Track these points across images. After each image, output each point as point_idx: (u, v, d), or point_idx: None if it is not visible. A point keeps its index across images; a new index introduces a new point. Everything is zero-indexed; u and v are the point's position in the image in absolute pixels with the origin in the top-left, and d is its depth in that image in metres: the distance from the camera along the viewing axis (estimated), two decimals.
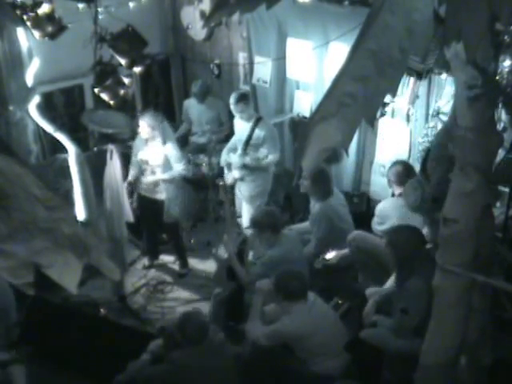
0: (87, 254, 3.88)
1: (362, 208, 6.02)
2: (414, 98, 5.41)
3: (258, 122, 5.97)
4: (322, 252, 5.13)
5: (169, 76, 7.88)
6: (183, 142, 6.86)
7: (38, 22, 4.86)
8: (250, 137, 5.96)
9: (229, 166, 6.15)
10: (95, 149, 5.70)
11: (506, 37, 2.91)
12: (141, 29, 5.02)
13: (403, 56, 2.26)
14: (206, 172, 6.45)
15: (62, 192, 5.78)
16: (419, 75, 4.82)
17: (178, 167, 5.68)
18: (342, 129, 2.26)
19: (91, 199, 5.86)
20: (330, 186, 5.22)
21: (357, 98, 2.24)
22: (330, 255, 5.03)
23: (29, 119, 6.01)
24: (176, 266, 6.21)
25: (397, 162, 5.15)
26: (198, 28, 7.24)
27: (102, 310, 5.42)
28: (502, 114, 4.65)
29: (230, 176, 6.16)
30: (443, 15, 2.22)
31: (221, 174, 6.44)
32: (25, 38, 5.73)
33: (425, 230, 4.42)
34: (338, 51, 5.62)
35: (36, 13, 4.81)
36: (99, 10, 4.94)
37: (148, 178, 5.71)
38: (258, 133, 5.94)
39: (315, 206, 5.26)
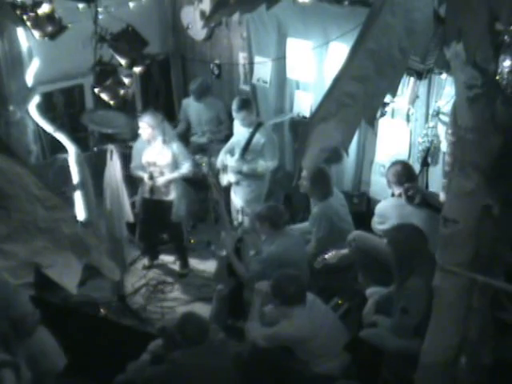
0: (87, 254, 3.89)
1: (362, 208, 6.01)
2: (414, 97, 5.40)
3: (258, 127, 5.93)
4: (321, 252, 5.13)
5: (169, 76, 7.88)
6: (183, 142, 6.84)
7: (38, 22, 4.86)
8: (249, 142, 5.91)
9: (225, 168, 6.11)
10: (95, 149, 5.71)
11: (506, 37, 2.91)
12: (141, 29, 5.02)
13: (403, 56, 2.26)
14: (206, 172, 6.44)
15: (62, 192, 5.78)
16: (419, 75, 4.82)
17: (187, 165, 5.68)
18: (342, 129, 2.26)
19: (91, 199, 5.86)
20: (330, 186, 5.21)
21: (357, 98, 2.24)
22: (330, 255, 5.03)
23: (29, 119, 6.01)
24: (176, 266, 6.21)
25: (396, 162, 5.14)
26: (198, 28, 7.24)
27: (101, 310, 5.42)
28: None
29: (226, 178, 6.13)
30: (443, 15, 2.22)
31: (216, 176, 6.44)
32: (25, 38, 5.73)
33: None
34: (338, 51, 5.62)
35: (36, 13, 4.81)
36: (99, 9, 4.94)
37: (159, 180, 5.67)
38: (258, 139, 5.88)
39: (315, 206, 5.25)
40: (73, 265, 3.64)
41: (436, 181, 5.36)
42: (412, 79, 5.21)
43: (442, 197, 4.69)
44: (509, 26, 2.65)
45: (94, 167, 5.82)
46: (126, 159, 5.74)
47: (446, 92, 5.18)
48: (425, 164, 5.38)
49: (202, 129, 6.81)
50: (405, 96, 5.42)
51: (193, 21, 7.25)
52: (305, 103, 6.41)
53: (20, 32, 5.68)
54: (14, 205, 3.47)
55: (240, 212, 6.09)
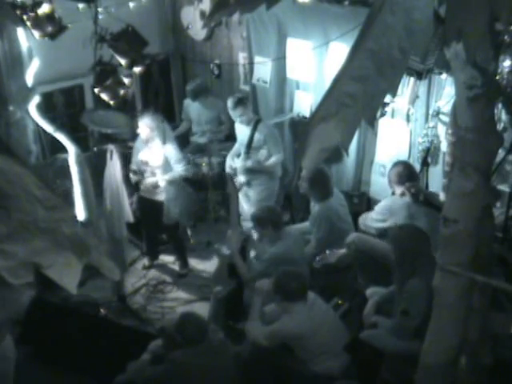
0: (87, 254, 3.88)
1: (362, 208, 6.01)
2: (414, 97, 5.41)
3: (257, 124, 5.97)
4: (321, 252, 5.13)
5: (169, 76, 7.89)
6: (183, 142, 6.85)
7: (38, 22, 4.86)
8: (251, 140, 5.96)
9: (234, 171, 6.13)
10: (95, 149, 5.70)
11: (506, 37, 2.91)
12: (141, 29, 5.02)
13: (403, 56, 2.26)
14: (206, 172, 6.45)
15: (62, 192, 5.78)
16: (419, 75, 4.82)
17: (178, 168, 5.68)
18: (342, 129, 2.26)
19: (91, 199, 5.86)
20: (330, 186, 5.21)
21: (357, 98, 2.24)
22: (329, 254, 5.02)
23: (29, 119, 6.01)
24: (176, 266, 6.21)
25: (398, 163, 5.13)
26: (197, 28, 7.25)
27: (101, 310, 5.42)
28: (502, 114, 4.66)
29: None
30: (443, 15, 2.22)
31: (222, 174, 6.43)
32: (25, 38, 5.73)
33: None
34: (338, 51, 5.62)
35: (36, 13, 4.82)
36: (99, 9, 4.94)
37: (148, 180, 5.70)
38: (258, 135, 5.94)
39: (315, 206, 5.26)
40: (73, 265, 3.62)
41: (436, 181, 5.36)
42: (412, 79, 5.21)
43: (442, 197, 4.70)
44: (509, 26, 2.65)
45: (94, 167, 5.81)
46: (126, 159, 5.75)
47: (446, 92, 5.19)
48: (425, 164, 5.38)
49: (202, 129, 6.82)
50: (405, 96, 5.42)
51: (193, 21, 7.25)
52: (305, 103, 6.41)
53: (20, 32, 5.68)
54: (13, 205, 3.46)
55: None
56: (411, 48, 2.30)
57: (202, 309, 5.20)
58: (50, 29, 4.90)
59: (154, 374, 3.85)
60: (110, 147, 5.09)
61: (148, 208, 5.87)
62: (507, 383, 3.54)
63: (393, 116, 5.69)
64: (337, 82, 2.33)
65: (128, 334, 4.94)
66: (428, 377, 3.00)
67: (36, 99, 5.89)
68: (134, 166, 5.72)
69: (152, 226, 6.07)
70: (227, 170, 6.22)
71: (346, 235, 5.05)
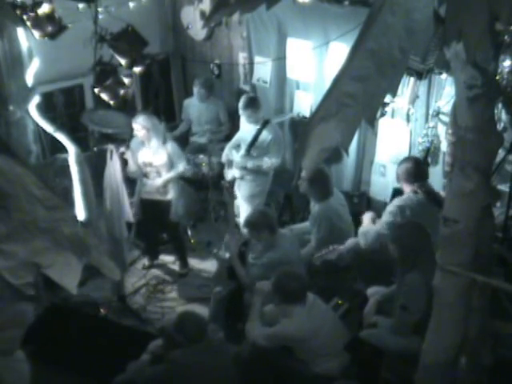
0: (87, 254, 3.88)
1: (362, 208, 6.01)
2: (414, 97, 5.41)
3: (265, 124, 5.96)
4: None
5: (169, 76, 7.89)
6: (183, 142, 6.86)
7: (38, 22, 4.86)
8: (255, 139, 5.95)
9: (230, 162, 6.14)
10: (95, 149, 5.70)
11: (506, 37, 2.91)
12: (141, 29, 5.02)
13: (403, 56, 2.26)
14: (206, 172, 6.45)
15: (62, 192, 5.77)
16: (419, 75, 4.82)
17: (182, 164, 5.70)
18: (342, 129, 2.26)
19: (91, 199, 5.85)
20: (329, 186, 5.20)
21: (357, 98, 2.24)
22: (330, 251, 4.97)
23: (29, 119, 6.00)
24: (176, 266, 6.21)
25: (407, 159, 5.01)
26: (197, 28, 7.25)
27: (101, 310, 5.42)
28: (502, 114, 4.66)
29: (230, 173, 6.17)
30: (443, 15, 2.22)
31: (222, 174, 6.43)
32: (25, 38, 5.73)
33: None
34: (338, 51, 5.62)
35: (36, 13, 4.81)
36: (99, 9, 4.94)
37: (157, 181, 5.70)
38: (265, 136, 5.92)
39: (315, 206, 5.25)
40: (73, 265, 3.62)
41: (436, 181, 5.36)
42: (412, 79, 5.21)
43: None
44: (509, 26, 2.65)
45: (94, 167, 5.82)
46: (126, 159, 5.74)
47: (446, 92, 5.19)
48: (425, 164, 5.38)
49: (202, 129, 6.82)
50: (405, 96, 5.42)
51: (193, 21, 7.25)
52: (305, 103, 6.41)
53: (20, 32, 5.67)
54: (14, 205, 3.45)
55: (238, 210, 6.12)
56: (411, 48, 2.30)
57: (202, 309, 5.21)
58: (50, 29, 4.90)
59: (154, 373, 3.84)
60: (110, 147, 5.09)
61: (152, 209, 5.85)
62: (507, 383, 3.54)
63: (393, 116, 5.69)
64: (337, 81, 2.33)
65: (128, 334, 4.95)
66: (428, 376, 3.00)
67: (36, 99, 5.88)
68: (133, 168, 5.69)
69: (154, 226, 6.07)
70: (223, 159, 6.22)
71: (345, 235, 5.05)
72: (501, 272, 4.09)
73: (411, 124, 5.57)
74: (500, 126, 4.62)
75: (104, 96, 5.02)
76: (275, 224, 4.81)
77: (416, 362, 3.04)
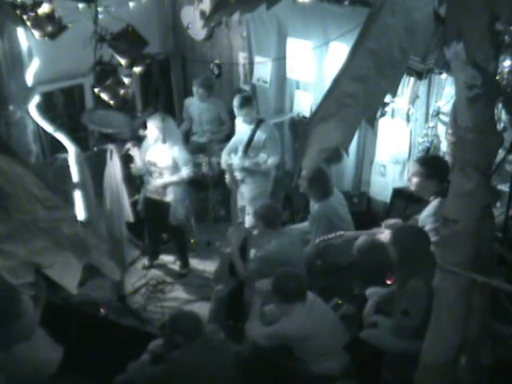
0: (87, 254, 3.88)
1: (362, 208, 6.02)
2: (414, 97, 5.41)
3: (259, 124, 5.96)
4: (321, 252, 5.13)
5: (169, 76, 7.88)
6: (184, 142, 6.85)
7: (38, 22, 4.86)
8: (251, 139, 5.96)
9: (230, 167, 6.13)
10: (95, 149, 5.70)
11: (506, 37, 2.91)
12: (141, 29, 5.01)
13: (403, 56, 2.26)
14: (206, 172, 6.45)
15: (62, 192, 5.77)
16: (419, 75, 4.82)
17: (186, 170, 5.69)
18: (342, 129, 2.26)
19: (91, 199, 5.86)
20: (329, 186, 5.21)
21: (357, 98, 2.24)
22: (334, 237, 4.91)
23: (29, 119, 6.00)
24: (176, 266, 6.21)
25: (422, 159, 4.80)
26: (197, 28, 7.24)
27: (101, 310, 5.42)
28: (502, 114, 4.66)
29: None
30: (443, 15, 2.22)
31: (222, 174, 6.43)
32: (25, 38, 5.73)
33: None
34: (338, 51, 5.62)
35: (36, 13, 4.81)
36: (99, 9, 4.93)
37: (157, 181, 5.71)
38: (260, 135, 5.93)
39: (314, 205, 5.25)
40: (73, 265, 3.63)
41: None
42: (412, 79, 5.21)
43: None
44: (509, 26, 2.65)
45: (94, 167, 5.81)
46: (126, 159, 5.75)
47: (446, 92, 5.19)
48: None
49: (202, 128, 6.82)
50: (405, 96, 5.42)
51: (193, 21, 7.25)
52: (305, 103, 6.41)
53: (20, 32, 5.67)
54: (14, 205, 3.46)
55: (242, 211, 6.11)
56: (411, 48, 2.30)
57: (202, 309, 5.20)
58: (50, 29, 4.89)
59: (154, 373, 3.84)
60: (110, 147, 5.09)
61: (154, 209, 5.87)
62: (507, 383, 3.54)
63: (393, 116, 5.69)
64: (337, 81, 2.33)
65: (128, 333, 4.94)
66: (428, 377, 3.00)
67: (36, 99, 5.88)
68: (138, 165, 5.70)
69: (157, 226, 6.07)
70: (222, 165, 6.21)
71: None
72: (501, 272, 4.09)
73: (411, 124, 5.57)
74: (500, 126, 4.62)
75: (104, 96, 5.01)
76: (274, 219, 4.81)
77: (416, 362, 3.04)
